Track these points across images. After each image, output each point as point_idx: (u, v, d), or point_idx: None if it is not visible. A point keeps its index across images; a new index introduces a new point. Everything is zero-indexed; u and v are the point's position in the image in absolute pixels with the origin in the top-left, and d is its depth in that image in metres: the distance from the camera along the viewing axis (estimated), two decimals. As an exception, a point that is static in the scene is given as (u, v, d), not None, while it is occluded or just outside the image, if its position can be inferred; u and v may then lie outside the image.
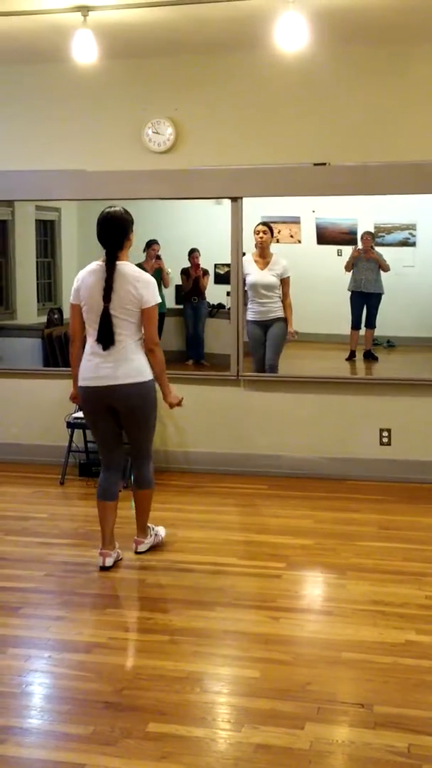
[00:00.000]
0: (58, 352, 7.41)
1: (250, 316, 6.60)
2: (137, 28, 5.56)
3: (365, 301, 8.30)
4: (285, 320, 6.66)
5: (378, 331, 8.53)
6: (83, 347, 4.32)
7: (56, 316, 8.18)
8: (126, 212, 4.28)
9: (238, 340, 6.36)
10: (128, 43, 5.89)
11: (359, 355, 8.52)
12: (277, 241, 9.32)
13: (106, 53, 5.69)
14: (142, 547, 4.56)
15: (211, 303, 9.00)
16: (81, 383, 4.30)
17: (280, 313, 6.66)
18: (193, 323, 8.89)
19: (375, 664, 3.37)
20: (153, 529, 4.66)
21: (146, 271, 8.09)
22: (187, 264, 8.74)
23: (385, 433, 6.14)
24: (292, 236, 9.52)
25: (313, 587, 4.36)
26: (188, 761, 2.71)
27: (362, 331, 8.49)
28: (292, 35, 5.10)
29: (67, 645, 3.52)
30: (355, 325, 8.43)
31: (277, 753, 2.75)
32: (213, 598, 4.03)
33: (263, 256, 6.65)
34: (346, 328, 8.33)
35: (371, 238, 8.45)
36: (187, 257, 8.72)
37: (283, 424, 6.30)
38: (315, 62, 5.91)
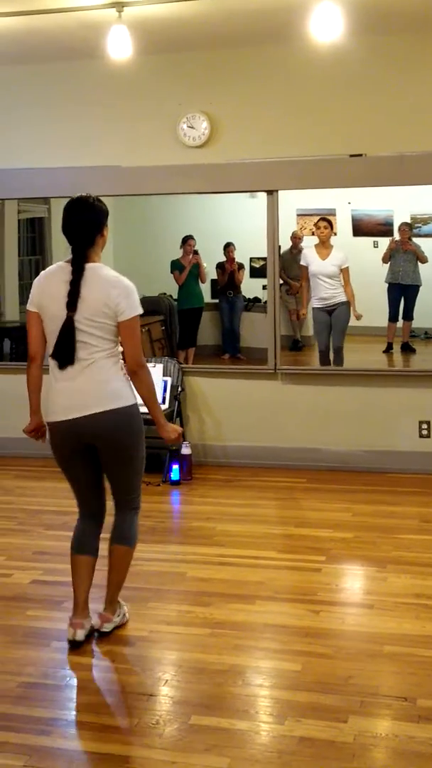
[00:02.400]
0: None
1: (315, 303, 7.09)
2: (171, 23, 5.56)
3: (403, 292, 8.25)
4: (348, 304, 7.05)
5: (415, 323, 8.48)
6: (42, 367, 3.48)
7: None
8: (99, 200, 3.45)
9: (275, 333, 6.35)
10: (163, 38, 5.89)
11: (396, 347, 8.46)
12: (313, 234, 9.30)
13: (140, 49, 5.70)
14: (107, 626, 3.55)
15: (247, 297, 9.00)
16: (47, 418, 3.44)
17: (343, 298, 7.03)
18: (228, 317, 8.90)
19: (418, 657, 3.35)
20: (122, 606, 3.67)
21: (183, 267, 8.22)
22: (222, 258, 8.74)
23: (425, 426, 6.10)
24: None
25: (354, 580, 4.34)
26: (232, 754, 2.72)
27: (399, 323, 8.44)
28: (327, 26, 5.07)
29: (110, 638, 3.54)
30: (393, 317, 8.38)
31: (320, 746, 2.75)
32: (253, 592, 4.03)
33: (324, 247, 7.03)
34: (383, 321, 8.28)
35: (408, 229, 8.39)
36: (222, 251, 8.72)
37: (322, 418, 6.28)
38: (350, 52, 5.87)
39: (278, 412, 6.36)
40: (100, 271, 3.35)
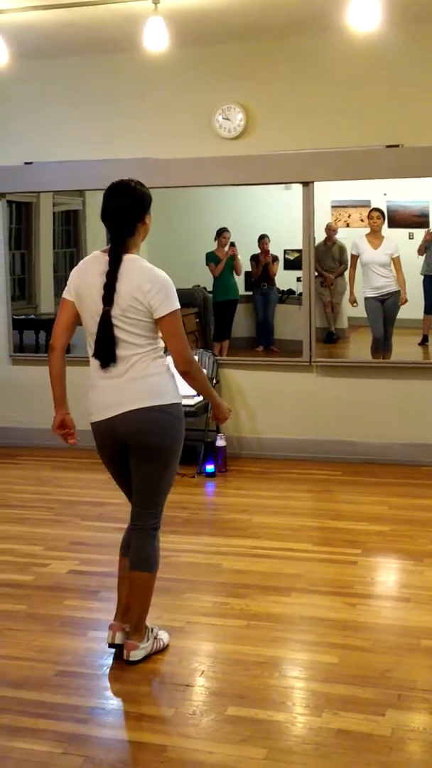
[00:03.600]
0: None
1: (368, 293, 7.14)
2: (207, 14, 5.54)
3: (439, 285, 8.16)
4: (399, 294, 7.14)
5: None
6: (64, 356, 3.28)
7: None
8: (141, 185, 3.20)
9: (310, 325, 6.32)
10: (198, 30, 5.88)
11: (432, 340, 8.39)
12: (347, 226, 9.24)
13: (176, 41, 5.68)
14: (135, 655, 3.26)
15: (281, 289, 8.97)
16: (90, 418, 3.24)
17: (395, 287, 7.12)
18: (262, 309, 8.87)
19: (455, 651, 3.33)
20: (152, 630, 3.38)
21: (219, 259, 8.20)
22: (257, 250, 8.72)
23: (461, 419, 6.05)
24: (362, 220, 9.39)
25: (390, 574, 4.32)
26: (269, 745, 2.72)
27: (436, 315, 8.36)
28: (364, 15, 5.00)
29: (146, 628, 3.55)
30: (429, 310, 8.30)
31: (358, 739, 2.74)
32: (289, 584, 4.03)
33: (376, 237, 7.10)
34: (418, 313, 8.20)
35: (444, 220, 8.30)
36: (256, 243, 8.69)
37: (357, 410, 6.24)
38: (387, 42, 5.81)
39: (313, 404, 6.34)
40: (136, 263, 3.12)
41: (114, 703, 3.04)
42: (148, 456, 3.18)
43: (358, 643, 3.42)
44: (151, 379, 3.14)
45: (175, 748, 2.73)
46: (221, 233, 8.21)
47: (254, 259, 8.76)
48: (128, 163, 6.43)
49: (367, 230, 7.19)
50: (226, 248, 8.17)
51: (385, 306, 7.13)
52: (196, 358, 6.32)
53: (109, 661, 3.32)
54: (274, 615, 3.70)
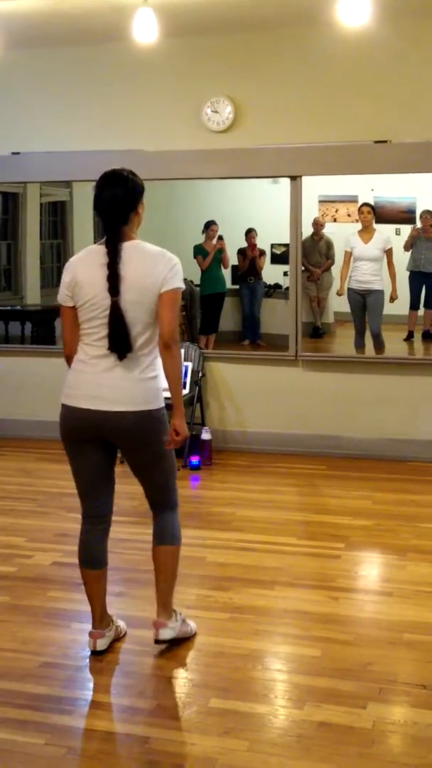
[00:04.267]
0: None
1: (351, 284, 7.25)
2: (197, 6, 5.53)
3: (424, 280, 8.20)
4: (382, 292, 7.23)
5: (437, 312, 8.42)
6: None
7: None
8: (134, 174, 3.17)
9: (296, 320, 6.33)
10: (188, 22, 5.86)
11: (417, 336, 8.42)
12: (334, 221, 9.26)
13: (165, 32, 5.67)
14: (165, 633, 3.28)
15: (267, 283, 8.97)
16: (64, 400, 3.17)
17: (378, 286, 7.20)
18: (249, 303, 8.88)
19: (437, 645, 3.35)
20: (180, 614, 3.41)
21: (207, 252, 8.20)
22: (244, 244, 8.72)
23: (446, 415, 6.08)
24: (349, 215, 9.42)
25: (373, 568, 4.34)
26: (251, 737, 2.73)
27: (421, 311, 8.39)
28: (354, 10, 5.01)
29: (130, 621, 3.55)
30: (414, 305, 8.34)
31: (339, 731, 2.76)
32: (272, 577, 4.04)
33: (367, 232, 7.20)
34: (404, 309, 8.24)
35: (431, 216, 8.32)
36: (243, 237, 8.69)
37: (342, 405, 6.26)
38: (375, 37, 5.82)
39: (299, 398, 6.36)
40: (141, 246, 3.10)
41: (97, 694, 3.04)
42: (149, 456, 3.21)
43: (340, 636, 3.44)
44: (148, 384, 3.13)
45: (157, 739, 2.73)
46: (209, 226, 8.20)
47: (241, 252, 8.76)
48: (116, 155, 6.39)
49: (360, 226, 7.20)
50: (214, 241, 8.17)
51: (367, 302, 7.19)
52: (183, 350, 6.36)
53: (93, 652, 3.32)
54: (258, 608, 3.71)
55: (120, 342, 3.06)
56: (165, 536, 3.32)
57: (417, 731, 2.76)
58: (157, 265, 3.07)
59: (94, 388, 3.11)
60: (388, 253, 7.27)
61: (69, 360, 3.22)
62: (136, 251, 3.09)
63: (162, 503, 3.34)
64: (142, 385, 3.11)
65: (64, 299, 3.16)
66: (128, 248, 3.08)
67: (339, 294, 7.73)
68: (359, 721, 2.81)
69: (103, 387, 3.10)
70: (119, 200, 3.09)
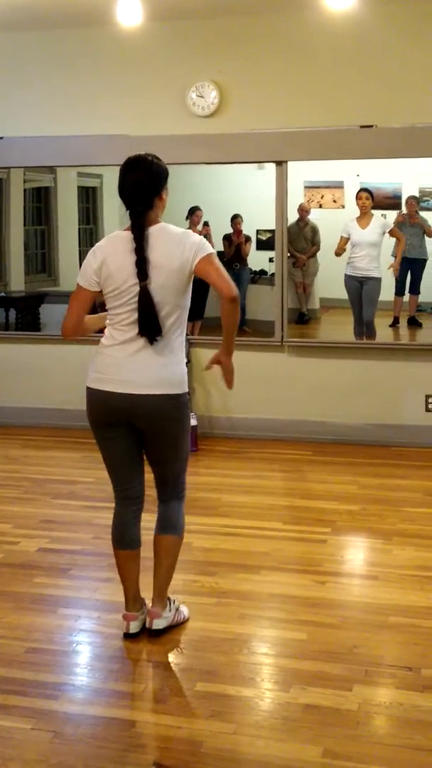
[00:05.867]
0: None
1: (348, 270, 7.14)
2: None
3: (409, 266, 8.22)
4: (380, 280, 7.13)
5: (422, 298, 8.44)
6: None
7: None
8: (158, 159, 3.19)
9: (282, 306, 6.33)
10: (173, 5, 5.82)
11: (403, 322, 8.44)
12: (320, 206, 9.25)
13: (150, 15, 5.63)
14: (158, 623, 3.31)
15: (253, 269, 8.96)
16: (94, 384, 3.18)
17: (376, 273, 7.10)
18: (235, 289, 8.86)
19: (422, 628, 3.37)
20: (174, 602, 3.44)
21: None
22: (229, 230, 8.70)
23: (431, 399, 6.10)
24: (335, 201, 9.43)
25: (359, 552, 4.37)
26: (237, 720, 2.74)
27: (406, 297, 8.41)
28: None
29: (116, 606, 3.55)
30: (399, 291, 8.36)
31: (325, 713, 2.77)
32: (258, 562, 4.05)
33: (364, 217, 7.09)
34: (390, 295, 8.25)
35: (416, 202, 8.34)
36: (229, 223, 8.67)
37: (328, 390, 6.28)
38: (361, 21, 5.79)
39: (284, 384, 6.36)
40: (167, 229, 3.12)
41: (83, 679, 3.04)
42: (168, 440, 3.23)
43: (326, 620, 3.46)
44: (175, 368, 3.17)
45: (144, 723, 2.74)
46: (193, 212, 8.17)
47: (227, 238, 8.74)
48: (100, 140, 6.37)
49: (358, 213, 7.12)
50: (199, 227, 8.14)
51: (364, 289, 7.07)
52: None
53: (79, 638, 3.33)
54: (244, 592, 3.72)
55: (150, 326, 3.08)
56: (169, 526, 3.35)
57: (402, 713, 2.78)
58: (184, 247, 3.07)
59: (124, 373, 3.12)
60: (393, 231, 7.35)
61: (65, 338, 3.26)
62: (162, 234, 3.10)
63: (172, 492, 3.36)
64: (171, 369, 3.15)
65: (89, 283, 3.15)
66: (154, 232, 3.09)
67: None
68: (345, 703, 2.83)
69: (133, 371, 3.12)
70: (143, 185, 3.09)
